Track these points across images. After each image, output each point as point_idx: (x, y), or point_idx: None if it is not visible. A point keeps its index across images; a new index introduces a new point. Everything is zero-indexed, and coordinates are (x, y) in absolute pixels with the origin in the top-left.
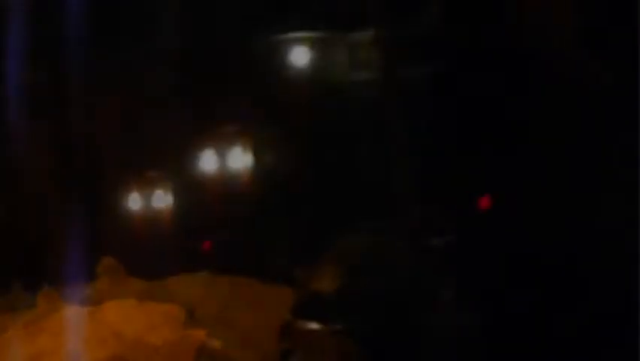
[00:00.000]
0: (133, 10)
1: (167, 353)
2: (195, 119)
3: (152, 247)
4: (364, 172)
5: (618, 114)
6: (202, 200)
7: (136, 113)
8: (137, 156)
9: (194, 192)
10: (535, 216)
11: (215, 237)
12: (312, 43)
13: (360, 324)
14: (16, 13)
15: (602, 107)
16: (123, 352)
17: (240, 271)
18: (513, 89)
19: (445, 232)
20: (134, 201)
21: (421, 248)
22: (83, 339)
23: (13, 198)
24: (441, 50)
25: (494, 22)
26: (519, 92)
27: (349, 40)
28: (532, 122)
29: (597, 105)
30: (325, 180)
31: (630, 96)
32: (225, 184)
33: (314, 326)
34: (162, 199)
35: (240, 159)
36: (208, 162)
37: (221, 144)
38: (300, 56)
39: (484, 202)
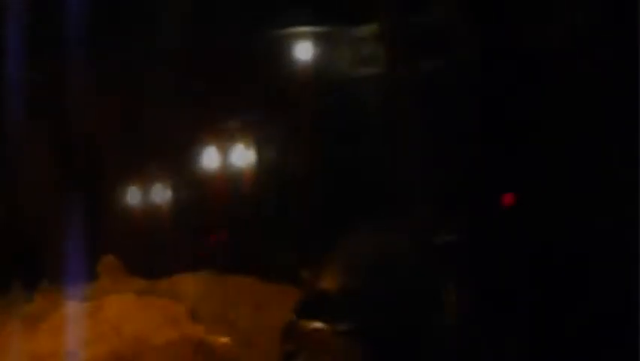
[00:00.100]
0: (135, 7)
1: (167, 352)
2: (197, 115)
3: (154, 244)
4: (369, 170)
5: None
6: (204, 198)
7: (137, 111)
8: (138, 154)
9: (196, 190)
10: (550, 215)
11: (218, 236)
12: (316, 38)
13: (366, 324)
14: (16, 12)
15: (615, 105)
16: (122, 349)
17: (243, 271)
18: (523, 85)
19: (450, 231)
20: (135, 199)
21: (427, 247)
22: (82, 335)
23: (13, 197)
24: (451, 44)
25: (503, 19)
26: (529, 89)
27: (353, 35)
28: (538, 119)
29: (611, 103)
30: (330, 178)
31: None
32: (227, 182)
33: (318, 326)
34: (163, 197)
35: (243, 156)
36: (210, 159)
37: (224, 141)
38: (303, 52)
39: (508, 199)
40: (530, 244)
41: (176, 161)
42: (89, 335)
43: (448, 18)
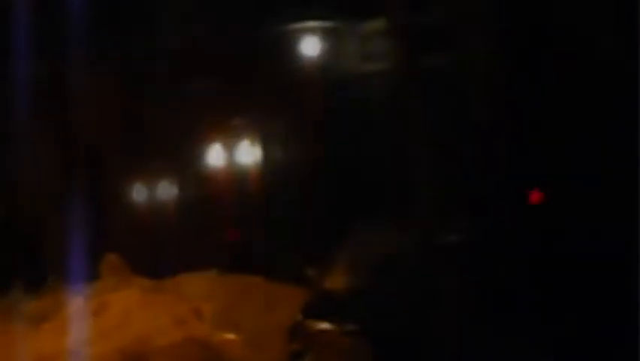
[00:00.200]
0: (142, 2)
1: (172, 353)
2: (202, 112)
3: (158, 243)
4: (377, 168)
5: None
6: (208, 196)
7: (141, 109)
8: (142, 152)
9: (200, 189)
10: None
11: (223, 234)
12: (323, 34)
13: (374, 324)
14: (20, 11)
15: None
16: (127, 348)
17: (249, 270)
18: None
19: (459, 230)
20: (139, 198)
21: (435, 247)
22: (86, 335)
23: (14, 196)
24: (460, 39)
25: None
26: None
27: (361, 30)
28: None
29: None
30: (337, 176)
31: None
32: (232, 180)
33: (326, 326)
34: (167, 195)
35: (249, 153)
36: (215, 156)
37: (229, 138)
38: (310, 47)
39: (535, 196)
40: (553, 242)
41: (181, 159)
42: (93, 335)
43: (458, 13)
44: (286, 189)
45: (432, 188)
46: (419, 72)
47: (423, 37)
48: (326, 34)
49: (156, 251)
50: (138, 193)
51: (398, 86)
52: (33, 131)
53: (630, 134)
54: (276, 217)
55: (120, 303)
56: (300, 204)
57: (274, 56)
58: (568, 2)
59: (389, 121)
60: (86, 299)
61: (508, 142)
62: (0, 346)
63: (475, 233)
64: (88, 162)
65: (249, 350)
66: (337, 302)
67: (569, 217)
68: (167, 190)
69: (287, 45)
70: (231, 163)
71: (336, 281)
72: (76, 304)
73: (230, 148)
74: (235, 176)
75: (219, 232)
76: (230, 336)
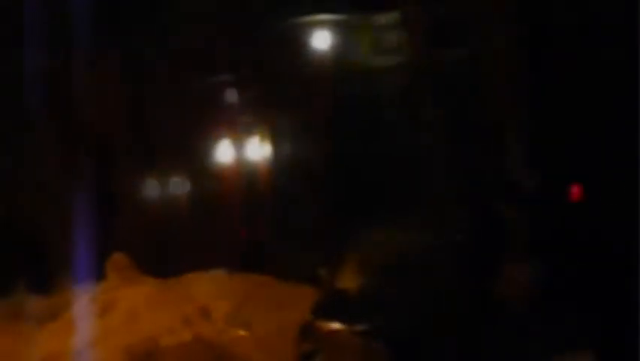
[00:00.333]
0: None
1: (179, 353)
2: (211, 108)
3: (165, 242)
4: (391, 165)
5: None
6: (218, 194)
7: (149, 106)
8: (150, 149)
9: (210, 186)
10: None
11: (232, 233)
12: (335, 27)
13: (386, 324)
14: (28, 3)
15: None
16: (134, 349)
17: (258, 269)
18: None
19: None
20: (146, 196)
21: (448, 245)
22: (92, 334)
23: (17, 196)
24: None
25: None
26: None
27: (373, 23)
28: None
29: None
30: (349, 173)
31: None
32: (242, 178)
33: (337, 326)
34: (174, 193)
35: (258, 151)
36: (224, 153)
37: (238, 135)
38: (321, 40)
39: (575, 193)
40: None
41: (189, 156)
42: (99, 335)
43: (473, 6)
44: (297, 186)
45: (445, 186)
46: (433, 66)
47: (437, 31)
48: (337, 27)
49: (163, 250)
50: (145, 191)
51: (411, 81)
52: (36, 128)
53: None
54: (286, 216)
55: (127, 302)
56: (311, 202)
57: (284, 50)
58: None
59: (402, 117)
60: (92, 299)
61: (523, 138)
62: (5, 346)
63: (483, 231)
64: (94, 160)
65: (258, 351)
66: (349, 302)
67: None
68: (174, 188)
69: (297, 39)
70: (241, 160)
71: (348, 281)
72: (82, 303)
73: (239, 144)
74: (244, 173)
75: (228, 231)
76: (240, 336)
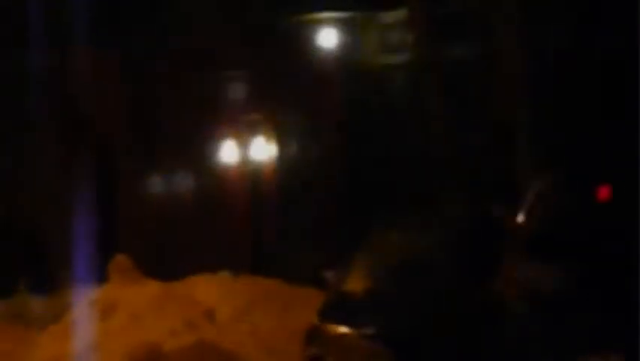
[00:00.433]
0: None
1: (183, 357)
2: (216, 106)
3: (169, 243)
4: (398, 163)
5: None
6: (222, 195)
7: (153, 103)
8: (153, 148)
9: (214, 187)
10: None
11: (237, 234)
12: (341, 24)
13: (394, 327)
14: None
15: None
16: (136, 353)
17: (264, 271)
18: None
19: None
20: (148, 196)
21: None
22: (93, 339)
23: (18, 196)
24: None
25: None
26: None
27: (381, 21)
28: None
29: None
30: (356, 172)
31: None
32: (247, 177)
33: (344, 330)
34: (177, 194)
35: (263, 149)
36: (229, 153)
37: (243, 133)
38: (328, 38)
39: (604, 193)
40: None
41: (193, 155)
42: (101, 338)
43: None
44: (303, 187)
45: (455, 185)
46: (441, 64)
47: (445, 28)
48: (344, 25)
49: (166, 251)
50: (149, 192)
51: (419, 79)
52: (37, 128)
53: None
54: (293, 217)
55: (129, 305)
56: (318, 202)
57: (290, 48)
58: None
59: (410, 115)
60: (93, 301)
61: (530, 136)
62: (5, 349)
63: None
64: (96, 159)
65: (263, 355)
66: (356, 305)
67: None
68: (178, 188)
69: (303, 37)
70: (245, 160)
71: (356, 283)
72: (84, 305)
73: (243, 144)
74: (249, 173)
75: (233, 232)
76: (245, 339)
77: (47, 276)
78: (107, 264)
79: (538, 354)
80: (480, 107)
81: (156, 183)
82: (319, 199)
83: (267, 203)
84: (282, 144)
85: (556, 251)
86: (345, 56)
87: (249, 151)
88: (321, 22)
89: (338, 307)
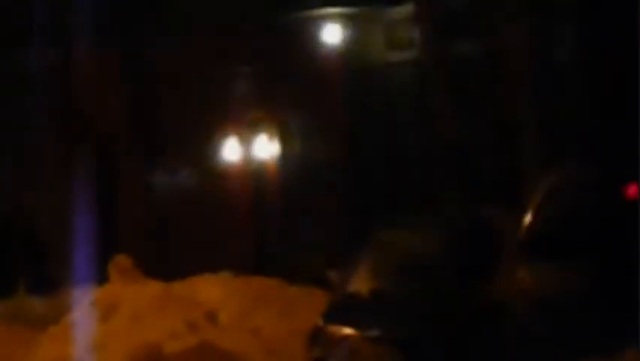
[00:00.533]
0: None
1: (184, 359)
2: (218, 104)
3: (171, 243)
4: (405, 162)
5: None
6: (224, 194)
7: (155, 102)
8: (155, 147)
9: (216, 186)
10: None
11: (239, 234)
12: (346, 20)
13: (399, 329)
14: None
15: None
16: (136, 355)
17: (266, 272)
18: None
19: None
20: (152, 195)
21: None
22: (93, 341)
23: (18, 196)
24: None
25: None
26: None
27: (386, 17)
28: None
29: None
30: (361, 171)
31: None
32: (249, 176)
33: (347, 331)
34: (181, 193)
35: (266, 148)
36: (231, 151)
37: (246, 132)
38: (332, 34)
39: (632, 191)
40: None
41: (195, 154)
42: (101, 339)
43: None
44: (306, 185)
45: (461, 184)
46: (447, 61)
47: (451, 24)
48: (349, 20)
49: (168, 251)
50: (149, 191)
51: (425, 76)
52: (37, 128)
53: None
54: (296, 216)
55: (130, 306)
56: (321, 201)
57: (294, 45)
58: None
59: (415, 113)
60: (94, 301)
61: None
62: (4, 350)
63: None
64: (96, 159)
65: (266, 357)
66: (361, 306)
67: None
68: (179, 188)
69: (308, 33)
70: (248, 159)
71: (360, 284)
72: (84, 306)
73: (246, 142)
74: (252, 172)
75: (236, 232)
76: (247, 341)
77: (47, 276)
78: (107, 264)
79: (543, 355)
80: (485, 105)
81: (157, 183)
82: (324, 198)
83: (269, 202)
84: (286, 141)
85: (570, 251)
86: (349, 53)
87: (252, 149)
88: (324, 18)
89: (342, 309)
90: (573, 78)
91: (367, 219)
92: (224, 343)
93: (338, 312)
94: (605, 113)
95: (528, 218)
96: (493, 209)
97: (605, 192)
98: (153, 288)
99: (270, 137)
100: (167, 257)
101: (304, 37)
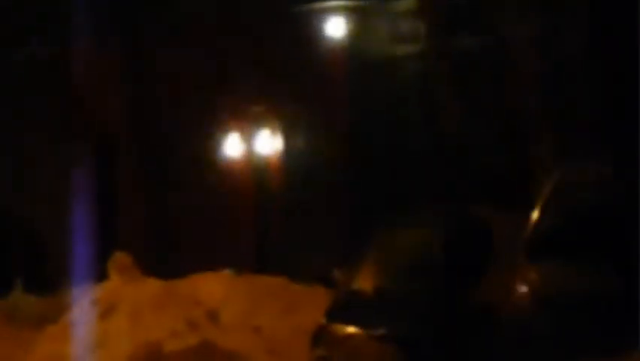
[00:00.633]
0: None
1: (185, 359)
2: (219, 98)
3: (171, 240)
4: (409, 159)
5: None
6: (226, 190)
7: (156, 97)
8: (155, 144)
9: (218, 182)
10: None
11: (241, 231)
12: (350, 13)
13: (404, 328)
14: None
15: None
16: (136, 354)
17: (269, 270)
18: None
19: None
20: (152, 193)
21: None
22: (92, 340)
23: (17, 195)
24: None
25: None
26: None
27: (390, 10)
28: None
29: None
30: (364, 168)
31: None
32: (252, 172)
33: (351, 330)
34: (182, 189)
35: (268, 143)
36: (233, 146)
37: (248, 126)
38: (336, 27)
39: None
40: None
41: (196, 149)
42: (100, 338)
43: None
44: (310, 182)
45: (467, 180)
46: (451, 54)
47: (455, 17)
48: (353, 13)
49: (169, 249)
50: (150, 188)
51: (429, 69)
52: (38, 127)
53: None
54: (299, 214)
55: (130, 304)
56: (325, 198)
57: (297, 38)
58: None
59: (419, 107)
60: (93, 300)
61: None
62: (3, 350)
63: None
64: (97, 159)
65: (269, 356)
66: (366, 305)
67: None
68: (180, 185)
69: (310, 26)
70: (250, 154)
71: (365, 283)
72: (83, 305)
73: (249, 138)
74: (254, 168)
75: (237, 229)
76: (249, 340)
77: (47, 275)
78: (106, 262)
79: (547, 354)
80: (488, 99)
81: (157, 180)
82: (328, 195)
83: (271, 199)
84: (289, 137)
85: (576, 250)
86: (353, 46)
87: (254, 145)
88: (328, 11)
89: (346, 307)
90: (578, 72)
91: (373, 217)
92: (226, 342)
93: (342, 311)
94: (611, 109)
95: (534, 217)
96: (493, 208)
97: (611, 191)
98: (153, 286)
99: (273, 132)
100: (168, 255)
101: (308, 30)
